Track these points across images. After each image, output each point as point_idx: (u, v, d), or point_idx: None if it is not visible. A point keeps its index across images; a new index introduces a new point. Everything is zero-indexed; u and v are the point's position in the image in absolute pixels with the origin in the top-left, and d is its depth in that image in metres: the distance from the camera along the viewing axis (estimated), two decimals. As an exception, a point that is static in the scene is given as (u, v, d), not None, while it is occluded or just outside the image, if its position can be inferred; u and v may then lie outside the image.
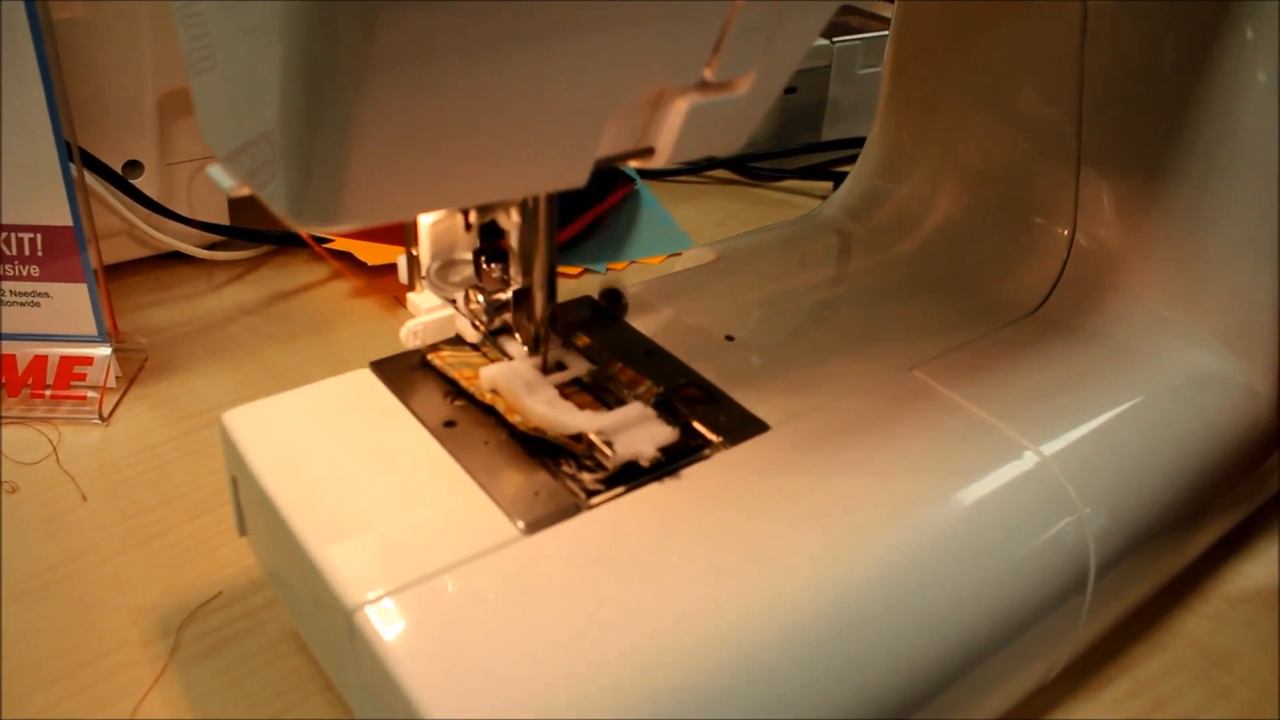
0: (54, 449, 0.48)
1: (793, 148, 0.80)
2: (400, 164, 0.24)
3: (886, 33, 0.51)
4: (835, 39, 0.79)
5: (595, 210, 0.67)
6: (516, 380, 0.33)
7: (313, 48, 0.21)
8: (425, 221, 0.33)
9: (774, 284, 0.45)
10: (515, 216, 0.35)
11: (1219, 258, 0.42)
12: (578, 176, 0.28)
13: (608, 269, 0.65)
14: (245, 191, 0.28)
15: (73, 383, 0.51)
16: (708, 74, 0.28)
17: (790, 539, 0.31)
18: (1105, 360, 0.41)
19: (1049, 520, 0.34)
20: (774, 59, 0.29)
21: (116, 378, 0.52)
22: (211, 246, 0.64)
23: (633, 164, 0.31)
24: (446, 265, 0.39)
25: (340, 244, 0.63)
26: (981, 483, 0.34)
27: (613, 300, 0.41)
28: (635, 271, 0.66)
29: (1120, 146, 0.43)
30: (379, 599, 0.28)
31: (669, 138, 0.30)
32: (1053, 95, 0.44)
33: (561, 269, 0.64)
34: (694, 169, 0.80)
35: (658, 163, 0.30)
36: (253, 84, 0.24)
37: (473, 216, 0.34)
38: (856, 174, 0.52)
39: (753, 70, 0.29)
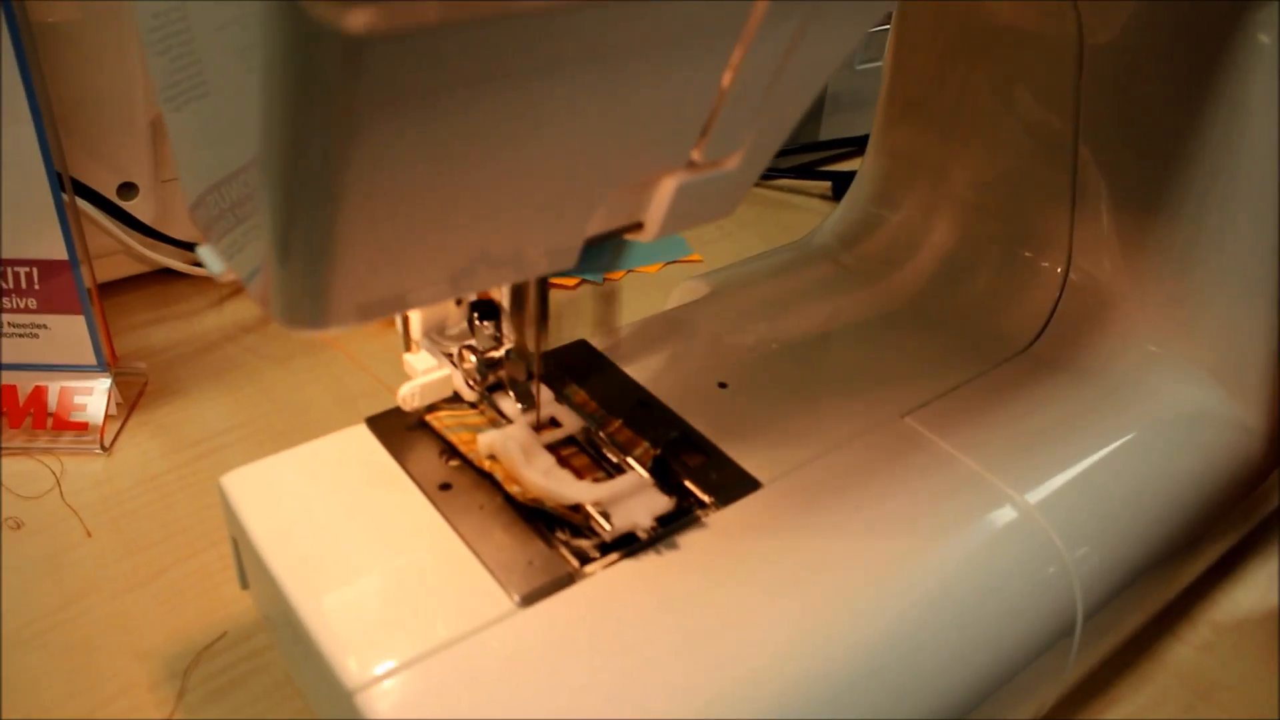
0: (57, 481, 0.49)
1: (791, 146, 0.80)
2: (385, 256, 0.24)
3: (887, 26, 0.50)
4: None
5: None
6: (514, 448, 0.33)
7: (291, 104, 0.19)
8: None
9: (767, 322, 0.45)
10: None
11: (1212, 293, 0.42)
12: (567, 259, 0.28)
13: (605, 279, 0.65)
14: (234, 276, 0.28)
15: (74, 413, 0.51)
16: (695, 156, 0.28)
17: (778, 605, 0.31)
18: (1097, 399, 0.41)
19: (1034, 570, 0.35)
20: (764, 134, 0.29)
21: (117, 405, 0.53)
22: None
23: (626, 236, 0.31)
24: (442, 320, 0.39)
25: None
26: (968, 537, 0.35)
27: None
28: (632, 280, 0.66)
29: (1115, 181, 0.43)
30: (379, 680, 0.28)
31: (658, 214, 0.30)
32: (1047, 129, 0.44)
33: (557, 280, 0.64)
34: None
35: (647, 237, 0.30)
36: (230, 136, 0.23)
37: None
38: (850, 199, 0.51)
39: (743, 148, 0.29)
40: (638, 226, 0.30)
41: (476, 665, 0.29)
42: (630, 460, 0.35)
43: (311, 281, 0.24)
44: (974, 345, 0.44)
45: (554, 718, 0.28)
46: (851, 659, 0.31)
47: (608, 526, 0.32)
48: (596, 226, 0.29)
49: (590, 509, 0.32)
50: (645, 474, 0.34)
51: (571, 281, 0.64)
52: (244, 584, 0.37)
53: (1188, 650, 0.42)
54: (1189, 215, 0.41)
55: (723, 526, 0.34)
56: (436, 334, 0.38)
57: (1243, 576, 0.46)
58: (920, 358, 0.43)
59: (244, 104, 0.22)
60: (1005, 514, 0.36)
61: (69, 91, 0.55)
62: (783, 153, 0.79)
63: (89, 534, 0.46)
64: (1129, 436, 0.40)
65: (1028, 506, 0.36)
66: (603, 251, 0.66)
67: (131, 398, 0.54)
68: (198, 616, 0.42)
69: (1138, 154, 0.42)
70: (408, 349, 0.36)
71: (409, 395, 0.36)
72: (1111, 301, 0.43)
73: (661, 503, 0.33)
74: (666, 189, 0.29)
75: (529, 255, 0.28)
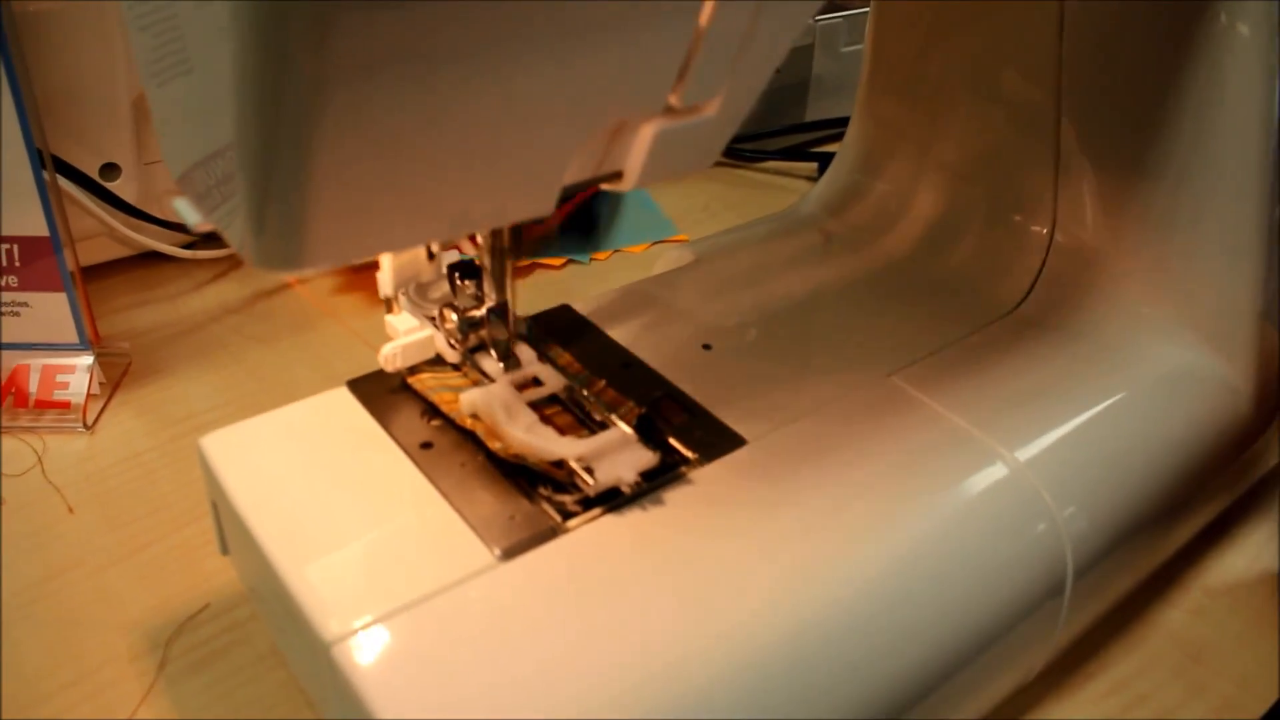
0: (39, 459, 0.48)
1: (776, 128, 0.80)
2: (361, 202, 0.24)
3: (869, 9, 0.50)
4: (818, 17, 0.78)
5: (577, 199, 0.67)
6: (496, 405, 0.33)
7: (266, 63, 0.20)
8: (387, 257, 0.33)
9: (752, 287, 0.45)
10: (483, 237, 0.34)
11: (1197, 255, 0.41)
12: (544, 206, 0.28)
13: (591, 259, 0.65)
14: (209, 227, 0.28)
15: (56, 391, 0.51)
16: (673, 100, 0.28)
17: (764, 560, 0.31)
18: (1084, 359, 0.41)
19: (1024, 527, 0.35)
20: (742, 79, 0.29)
21: (100, 384, 0.52)
22: (192, 245, 0.63)
23: (603, 186, 0.30)
24: (425, 284, 0.38)
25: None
26: (956, 493, 0.34)
27: None
28: (619, 260, 0.66)
29: (1099, 143, 0.42)
30: (356, 633, 0.28)
31: (636, 162, 0.29)
32: (1031, 91, 0.43)
33: (545, 260, 0.64)
34: (678, 151, 0.79)
35: (626, 187, 0.30)
36: (214, 106, 0.23)
37: (435, 245, 0.34)
38: (835, 168, 0.51)
39: (720, 93, 0.29)
40: (617, 176, 0.30)
41: (456, 617, 0.28)
42: (614, 417, 0.34)
43: (287, 224, 0.24)
44: (961, 307, 0.43)
45: (534, 669, 0.27)
46: (836, 615, 0.30)
47: (591, 481, 0.31)
48: (574, 174, 0.29)
49: (573, 464, 0.32)
50: (629, 430, 0.34)
51: (558, 261, 0.64)
52: (224, 549, 0.37)
53: (1179, 614, 0.42)
54: (1171, 177, 0.41)
55: (707, 483, 0.33)
56: (419, 297, 0.37)
57: (1235, 540, 0.45)
58: (906, 320, 0.43)
59: (228, 79, 0.22)
60: (994, 471, 0.35)
61: (52, 75, 0.54)
62: (768, 134, 0.79)
63: (71, 510, 0.46)
64: (1119, 396, 0.40)
65: (1017, 463, 0.36)
66: (589, 232, 0.66)
67: (115, 378, 0.54)
68: (180, 590, 0.42)
69: (1119, 118, 0.42)
70: (388, 310, 0.36)
71: (390, 355, 0.35)
72: (1098, 263, 0.43)
73: (646, 458, 0.33)
74: (645, 136, 0.29)
75: (505, 202, 0.27)
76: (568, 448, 0.32)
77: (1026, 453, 0.36)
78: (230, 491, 0.33)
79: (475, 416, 0.34)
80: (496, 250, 0.35)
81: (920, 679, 0.31)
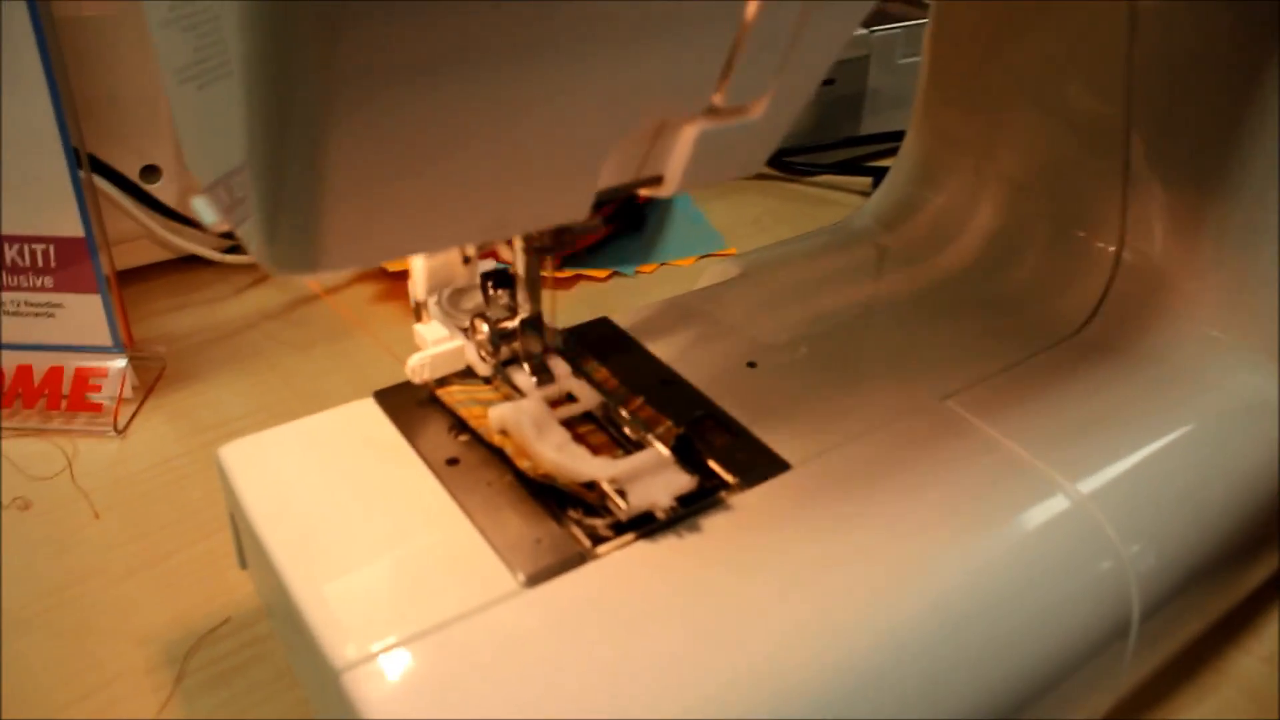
0: (69, 463, 0.48)
1: (830, 141, 0.78)
2: (378, 204, 0.23)
3: (927, 20, 0.48)
4: (874, 28, 0.76)
5: (617, 204, 0.65)
6: (526, 421, 0.31)
7: (276, 63, 0.19)
8: (418, 260, 0.31)
9: (800, 303, 0.43)
10: (518, 242, 0.33)
11: (1276, 275, 0.39)
12: (578, 210, 0.26)
13: (637, 271, 0.63)
14: (226, 227, 0.27)
15: (88, 394, 0.50)
16: (717, 100, 0.26)
17: (803, 596, 0.29)
18: (1152, 386, 0.39)
19: (1086, 565, 0.32)
20: (790, 80, 0.27)
21: (133, 388, 0.51)
22: (231, 250, 0.63)
23: (642, 191, 0.29)
24: (458, 292, 0.37)
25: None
26: (1013, 527, 0.32)
27: None
28: (665, 274, 0.64)
29: (1172, 155, 0.40)
30: (367, 660, 0.26)
31: (678, 166, 0.28)
32: (1100, 100, 0.41)
33: (589, 272, 0.62)
34: (728, 163, 0.78)
35: (666, 192, 0.28)
36: (228, 113, 0.22)
37: (470, 249, 0.32)
38: (891, 180, 0.49)
39: (767, 94, 0.27)
40: (658, 180, 0.28)
41: (475, 647, 0.27)
42: (651, 438, 0.32)
43: (300, 225, 0.22)
44: (1021, 328, 0.41)
45: (553, 705, 0.25)
46: (878, 658, 0.28)
47: (624, 505, 0.30)
48: (611, 178, 0.27)
49: (605, 486, 0.30)
50: (666, 451, 0.32)
51: (602, 274, 0.62)
52: (243, 563, 0.36)
53: (1253, 662, 0.39)
54: (1250, 193, 0.39)
55: (747, 509, 0.31)
56: (451, 305, 0.36)
57: (1312, 584, 0.43)
58: (963, 341, 0.40)
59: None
60: (1055, 503, 0.33)
61: (95, 77, 0.54)
62: (822, 148, 0.77)
63: (97, 516, 0.45)
64: (1189, 426, 0.37)
65: (1080, 496, 0.33)
66: (636, 243, 0.65)
67: (149, 382, 0.53)
68: (201, 601, 0.41)
69: (1194, 129, 0.39)
70: (418, 318, 0.34)
71: (418, 367, 0.34)
72: (1168, 284, 0.40)
73: (683, 481, 0.31)
74: (687, 138, 0.27)
75: (535, 205, 0.26)
76: (600, 469, 0.30)
77: (1090, 484, 0.34)
78: (246, 504, 0.31)
79: (504, 433, 0.32)
80: (531, 259, 0.33)
81: (973, 725, 0.29)
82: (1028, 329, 0.41)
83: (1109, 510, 0.33)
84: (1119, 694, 0.35)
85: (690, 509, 0.31)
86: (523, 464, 0.31)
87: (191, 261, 0.63)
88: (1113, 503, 0.34)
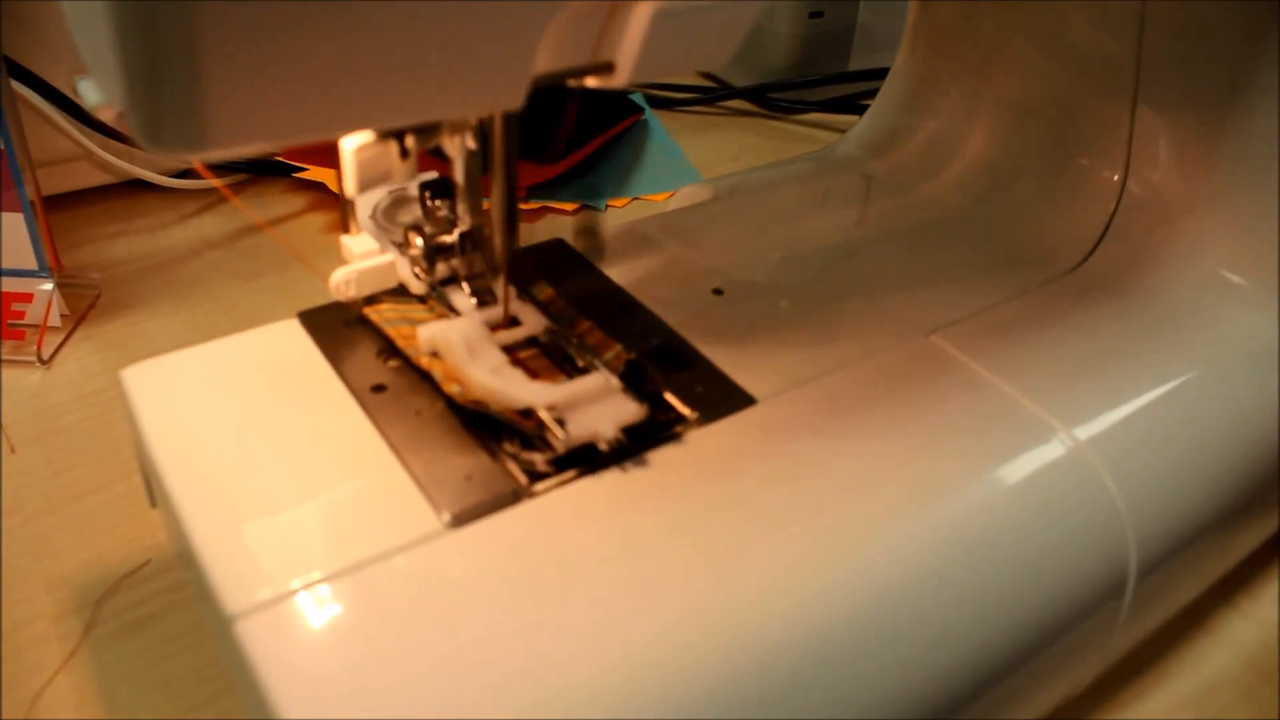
0: (-14, 393, 0.44)
1: (817, 78, 0.74)
2: (264, 74, 0.19)
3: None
4: (867, -42, 0.72)
5: (597, 140, 0.61)
6: (457, 341, 0.28)
7: None
8: (348, 147, 0.27)
9: (776, 230, 0.39)
10: (469, 141, 0.29)
11: (1294, 210, 0.36)
12: (511, 97, 0.23)
13: (607, 206, 0.59)
14: (112, 113, 0.23)
15: (10, 320, 0.47)
16: (676, -30, 0.23)
17: (765, 540, 0.26)
18: (1155, 327, 0.36)
19: (1081, 516, 0.30)
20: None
21: (62, 316, 0.48)
22: (181, 174, 0.59)
23: (590, 81, 0.25)
24: (397, 202, 0.34)
25: (314, 174, 0.58)
26: (1001, 473, 0.29)
27: (589, 242, 0.36)
28: (637, 208, 0.60)
29: (1184, 78, 0.37)
30: (265, 605, 0.23)
31: (630, 51, 0.24)
32: (1107, 15, 0.37)
33: (557, 205, 0.59)
34: (708, 99, 0.74)
35: (619, 82, 0.25)
36: None
37: (410, 140, 0.28)
38: (879, 105, 0.46)
39: (734, -30, 0.23)
40: (607, 68, 0.25)
41: (389, 593, 0.24)
42: (597, 363, 0.29)
43: (182, 96, 0.19)
44: (1016, 261, 0.38)
45: (476, 660, 0.22)
46: (852, 610, 0.25)
47: (561, 435, 0.26)
48: (553, 61, 0.24)
49: (543, 414, 0.27)
50: (614, 380, 0.29)
51: (570, 206, 0.59)
52: (152, 501, 0.32)
53: (1251, 627, 0.37)
54: (1268, 118, 0.35)
55: (706, 445, 0.28)
56: (386, 219, 0.32)
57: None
58: (953, 273, 0.37)
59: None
60: (1049, 449, 0.30)
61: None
62: (807, 84, 0.73)
63: (13, 450, 0.42)
64: (1194, 372, 0.34)
65: (1075, 441, 0.30)
66: (608, 176, 0.61)
67: (80, 310, 0.49)
68: (120, 544, 0.38)
69: (1210, 46, 0.36)
70: (346, 229, 0.31)
71: (343, 283, 0.30)
72: (1175, 218, 0.37)
73: (630, 411, 0.27)
74: (640, 18, 0.24)
75: (460, 82, 0.22)
76: (537, 394, 0.27)
77: (1086, 430, 0.31)
78: (147, 433, 0.28)
79: (434, 354, 0.29)
80: (473, 164, 0.29)
81: (953, 687, 0.27)
82: (1023, 263, 0.38)
83: (1106, 458, 0.30)
84: (1109, 658, 0.32)
85: (640, 444, 0.28)
86: (451, 389, 0.28)
87: (136, 186, 0.59)
88: (1111, 450, 0.31)
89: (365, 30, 0.19)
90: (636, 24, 0.24)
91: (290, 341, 0.31)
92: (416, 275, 0.31)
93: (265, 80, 0.19)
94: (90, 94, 0.24)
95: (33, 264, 0.47)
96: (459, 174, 0.29)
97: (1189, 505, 0.32)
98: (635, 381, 0.29)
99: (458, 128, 0.29)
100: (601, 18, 0.24)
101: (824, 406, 0.30)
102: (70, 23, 0.25)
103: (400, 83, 0.21)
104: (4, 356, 0.46)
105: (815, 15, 0.72)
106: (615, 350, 0.30)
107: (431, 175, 0.32)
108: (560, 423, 0.27)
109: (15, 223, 0.46)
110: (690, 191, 0.42)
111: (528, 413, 0.27)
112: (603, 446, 0.27)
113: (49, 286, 0.47)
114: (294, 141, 0.22)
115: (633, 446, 0.28)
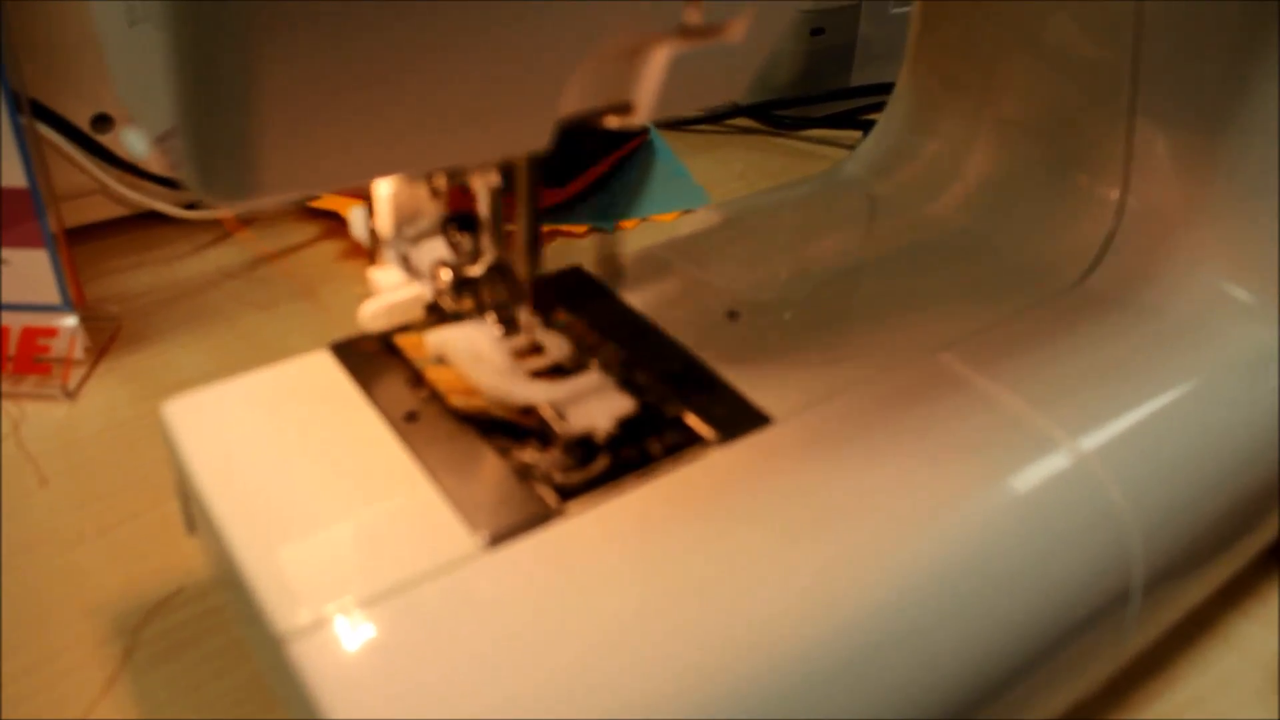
0: (15, 427, 0.45)
1: (819, 94, 0.75)
2: (314, 125, 0.20)
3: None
4: (865, -25, 0.73)
5: (604, 163, 0.63)
6: (463, 346, 0.29)
7: None
8: (383, 188, 0.29)
9: (787, 252, 0.40)
10: (493, 178, 0.30)
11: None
12: (538, 139, 0.24)
13: (616, 227, 0.61)
14: (162, 161, 0.25)
15: (37, 355, 0.48)
16: (691, 17, 0.24)
17: (788, 554, 0.27)
18: (1158, 339, 0.36)
19: (1087, 525, 0.31)
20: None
21: (85, 349, 0.49)
22: (192, 205, 0.60)
23: (611, 121, 0.26)
24: (421, 236, 0.35)
25: (326, 202, 0.59)
26: (1009, 484, 0.30)
27: (612, 267, 0.37)
28: (647, 230, 0.61)
29: (1181, 93, 0.38)
30: (315, 626, 0.24)
31: (649, 91, 0.25)
32: (1104, 33, 0.38)
33: (566, 227, 0.60)
34: (713, 117, 0.75)
35: (638, 120, 0.26)
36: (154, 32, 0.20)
37: (439, 181, 0.30)
38: (883, 126, 0.47)
39: (746, 12, 0.25)
40: (627, 108, 0.26)
41: (433, 612, 0.25)
42: (592, 361, 0.31)
43: (235, 147, 0.20)
44: (1019, 278, 0.39)
45: (520, 674, 0.23)
46: (867, 622, 0.26)
47: (559, 428, 0.28)
48: (577, 103, 0.25)
49: (544, 410, 0.28)
50: (608, 376, 0.30)
51: (580, 229, 0.60)
52: (190, 528, 0.33)
53: (1259, 630, 0.38)
54: (1265, 133, 0.36)
55: (726, 464, 0.29)
56: (411, 252, 0.33)
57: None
58: (959, 291, 0.38)
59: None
60: (1055, 460, 0.31)
61: (38, 17, 0.51)
62: (810, 100, 0.75)
63: (44, 481, 0.43)
64: (1196, 381, 0.35)
65: (1080, 452, 0.31)
66: (616, 197, 0.62)
67: (101, 342, 0.51)
68: (154, 571, 0.39)
69: (1205, 63, 0.37)
70: (373, 261, 0.32)
71: (373, 315, 0.32)
72: (1175, 231, 0.38)
73: (623, 403, 0.29)
74: (659, 61, 0.25)
75: (490, 132, 0.23)
76: (539, 392, 0.28)
77: (1092, 440, 0.32)
78: (190, 463, 0.29)
79: (440, 359, 0.30)
80: (496, 200, 0.31)
81: (962, 695, 0.27)
82: (1026, 280, 0.39)
83: (1112, 467, 0.31)
84: (1118, 664, 0.33)
85: (662, 460, 0.29)
86: (454, 401, 0.29)
87: (150, 218, 0.60)
88: (1116, 459, 0.32)
89: (409, 81, 0.20)
90: (656, 65, 0.25)
91: (323, 372, 0.32)
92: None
93: (313, 130, 0.21)
94: (137, 144, 0.25)
95: (56, 298, 0.48)
96: (483, 208, 0.30)
97: (1194, 513, 0.33)
98: (654, 396, 0.30)
99: (485, 166, 0.30)
100: (624, 61, 0.25)
101: (839, 424, 0.31)
102: (114, 72, 0.26)
103: (438, 128, 0.22)
104: (30, 390, 0.47)
105: (817, 32, 0.73)
106: (608, 348, 0.31)
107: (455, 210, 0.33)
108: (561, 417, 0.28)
109: (39, 259, 0.47)
110: (702, 216, 0.43)
111: (529, 411, 0.29)
112: (598, 438, 0.28)
113: (73, 321, 0.48)
114: (336, 188, 0.23)
115: (653, 462, 0.29)
